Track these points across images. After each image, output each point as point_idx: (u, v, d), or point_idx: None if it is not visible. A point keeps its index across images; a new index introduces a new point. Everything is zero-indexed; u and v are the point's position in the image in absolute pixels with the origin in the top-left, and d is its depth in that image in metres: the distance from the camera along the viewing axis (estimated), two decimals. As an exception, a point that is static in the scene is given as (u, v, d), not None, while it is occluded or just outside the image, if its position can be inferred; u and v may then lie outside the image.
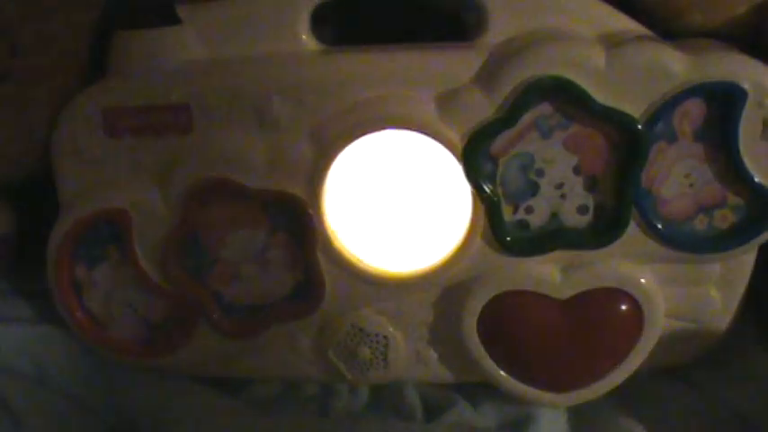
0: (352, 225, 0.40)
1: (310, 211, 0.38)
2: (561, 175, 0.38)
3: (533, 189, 0.38)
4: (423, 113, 0.37)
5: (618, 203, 0.38)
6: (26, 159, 0.41)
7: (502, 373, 0.41)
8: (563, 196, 0.38)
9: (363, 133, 0.37)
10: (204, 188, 0.39)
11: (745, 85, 0.36)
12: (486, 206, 0.38)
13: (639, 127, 0.36)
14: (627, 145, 0.37)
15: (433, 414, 0.43)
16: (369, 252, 0.40)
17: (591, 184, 0.38)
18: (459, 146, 0.37)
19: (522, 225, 0.39)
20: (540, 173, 0.38)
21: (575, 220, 0.39)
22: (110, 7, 0.40)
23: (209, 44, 0.38)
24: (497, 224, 0.38)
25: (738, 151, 0.37)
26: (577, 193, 0.38)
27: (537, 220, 0.39)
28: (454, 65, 0.37)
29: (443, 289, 0.40)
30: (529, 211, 0.39)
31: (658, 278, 0.40)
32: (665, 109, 0.36)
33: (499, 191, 0.38)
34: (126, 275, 0.41)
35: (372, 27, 0.40)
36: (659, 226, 0.38)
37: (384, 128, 0.37)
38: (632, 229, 0.38)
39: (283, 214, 0.39)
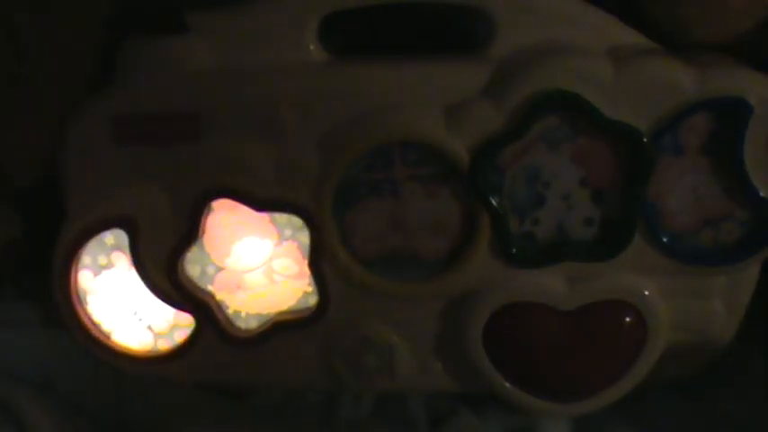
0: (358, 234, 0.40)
1: (317, 220, 0.38)
2: (568, 188, 0.38)
3: (540, 201, 0.38)
4: (430, 125, 0.37)
5: (624, 216, 0.38)
6: (34, 165, 0.41)
7: (506, 383, 0.42)
8: (569, 208, 0.38)
9: (370, 144, 0.37)
10: (211, 196, 0.39)
11: (752, 100, 0.36)
12: (493, 218, 0.38)
13: (646, 140, 0.37)
14: (633, 158, 0.37)
15: (437, 424, 0.43)
16: (374, 261, 0.40)
17: (597, 197, 0.38)
18: (467, 158, 0.37)
19: (529, 237, 0.39)
20: (547, 185, 0.38)
21: (581, 232, 0.39)
22: (119, 14, 0.40)
23: (217, 53, 0.38)
24: (503, 236, 0.38)
25: (744, 165, 0.37)
26: (584, 206, 0.38)
27: (543, 231, 0.39)
28: (462, 76, 0.37)
29: (449, 299, 0.40)
30: (535, 222, 0.39)
31: (663, 290, 0.40)
32: (671, 123, 0.36)
33: (506, 203, 0.38)
34: (132, 283, 0.41)
35: (381, 38, 0.40)
36: (665, 239, 0.39)
37: (391, 139, 0.37)
38: (638, 242, 0.38)
39: (290, 223, 0.39)
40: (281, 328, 0.41)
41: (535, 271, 0.39)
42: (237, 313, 0.41)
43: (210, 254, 0.40)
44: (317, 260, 0.39)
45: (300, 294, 0.41)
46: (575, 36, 0.37)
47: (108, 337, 0.42)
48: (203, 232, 0.40)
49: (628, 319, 0.40)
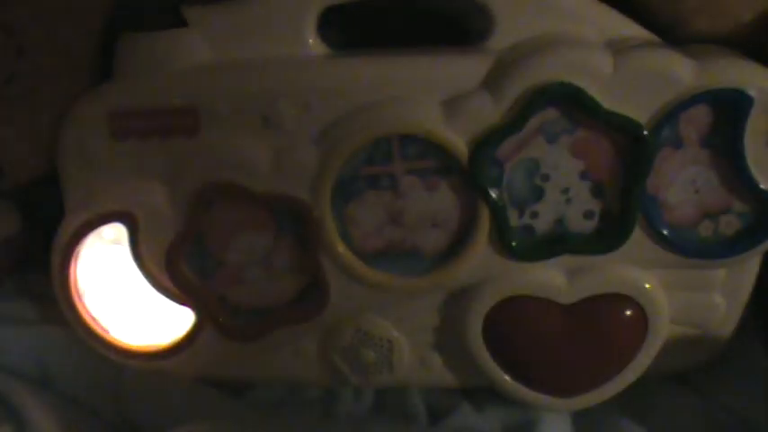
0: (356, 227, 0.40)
1: (315, 214, 0.38)
2: (567, 181, 0.38)
3: (539, 194, 0.38)
4: (429, 118, 0.37)
5: (623, 209, 0.38)
6: (33, 161, 0.41)
7: (506, 377, 0.42)
8: (569, 201, 0.38)
9: (369, 138, 0.37)
10: (210, 191, 0.39)
11: (751, 92, 0.36)
12: (492, 211, 0.38)
13: (646, 133, 0.36)
14: (633, 151, 0.37)
15: (437, 418, 0.43)
16: (374, 255, 0.40)
17: (597, 190, 0.38)
18: (466, 151, 0.37)
19: (528, 230, 0.39)
20: (546, 178, 0.38)
21: (580, 225, 0.39)
22: (116, 9, 0.40)
23: (215, 47, 0.38)
24: (503, 229, 0.38)
25: (744, 158, 0.37)
26: (583, 199, 0.38)
27: (542, 225, 0.39)
28: (461, 70, 0.37)
29: (448, 293, 0.40)
30: (534, 216, 0.39)
31: (663, 284, 0.40)
32: (671, 115, 0.36)
33: (505, 196, 0.38)
34: (131, 277, 0.41)
35: (379, 31, 0.40)
36: (665, 232, 0.38)
37: (390, 133, 0.37)
38: (637, 235, 0.38)
39: (289, 218, 0.39)
40: (281, 322, 0.41)
41: (535, 264, 0.39)
42: (237, 308, 0.41)
43: (210, 248, 0.40)
44: (316, 254, 0.39)
45: (300, 288, 0.41)
46: (574, 28, 0.37)
47: (107, 331, 0.42)
48: (203, 226, 0.39)
49: (628, 313, 0.40)
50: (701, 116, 0.37)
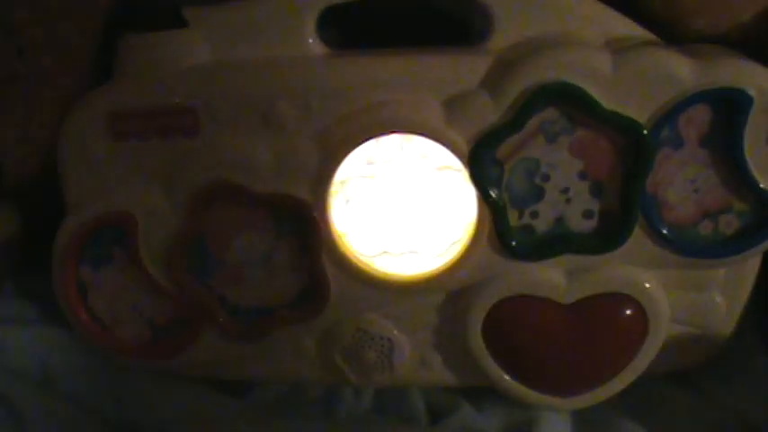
0: (357, 228, 0.40)
1: (316, 214, 0.38)
2: (567, 180, 0.38)
3: (539, 194, 0.38)
4: (429, 118, 0.37)
5: (623, 209, 0.38)
6: (33, 161, 0.41)
7: (506, 376, 0.42)
8: (568, 201, 0.38)
9: (369, 137, 0.37)
10: (210, 191, 0.39)
11: (751, 91, 0.36)
12: (492, 211, 0.38)
13: (645, 132, 0.37)
14: (633, 150, 0.37)
15: (438, 417, 0.43)
16: (374, 256, 0.40)
17: (596, 189, 0.38)
18: (466, 150, 0.37)
19: (528, 230, 0.39)
20: (546, 177, 0.38)
21: (580, 224, 0.39)
22: (116, 10, 0.40)
23: (215, 47, 0.38)
24: (503, 229, 0.38)
25: (744, 157, 0.37)
26: (583, 198, 0.38)
27: (542, 224, 0.39)
28: (461, 69, 0.37)
29: (449, 293, 0.40)
30: (534, 215, 0.39)
31: (663, 283, 0.40)
32: (670, 114, 0.36)
33: (505, 195, 0.38)
34: (131, 277, 0.41)
35: (379, 31, 0.40)
36: (664, 231, 0.38)
37: (390, 132, 0.37)
38: (637, 235, 0.38)
39: (289, 218, 0.39)
40: (281, 322, 0.41)
41: (535, 264, 0.39)
42: (237, 308, 0.41)
43: (210, 248, 0.40)
44: (317, 254, 0.39)
45: (300, 288, 0.41)
46: (573, 28, 0.37)
47: (108, 332, 0.42)
48: (203, 227, 0.39)
49: (628, 312, 0.40)
50: (700, 116, 0.37)
